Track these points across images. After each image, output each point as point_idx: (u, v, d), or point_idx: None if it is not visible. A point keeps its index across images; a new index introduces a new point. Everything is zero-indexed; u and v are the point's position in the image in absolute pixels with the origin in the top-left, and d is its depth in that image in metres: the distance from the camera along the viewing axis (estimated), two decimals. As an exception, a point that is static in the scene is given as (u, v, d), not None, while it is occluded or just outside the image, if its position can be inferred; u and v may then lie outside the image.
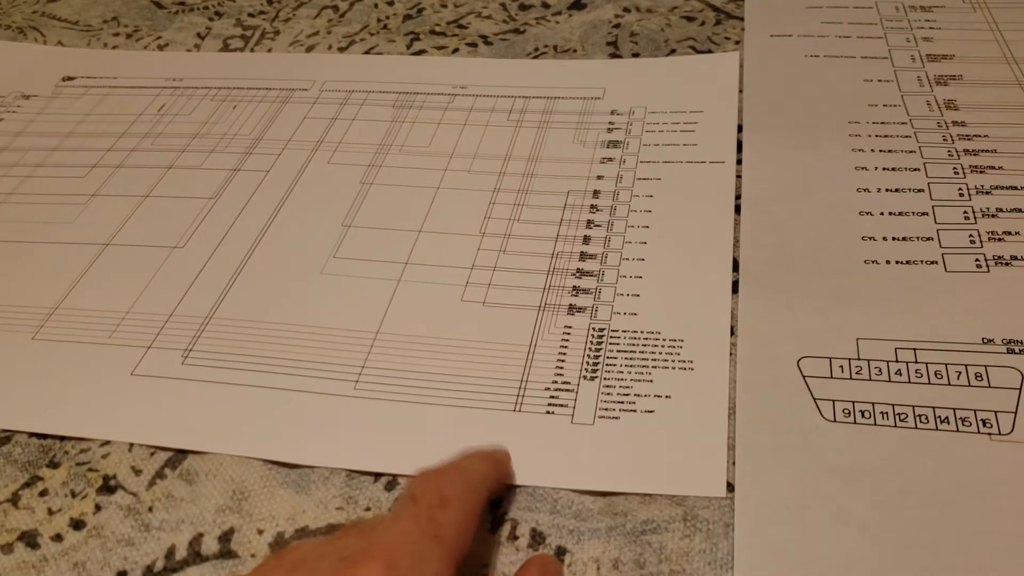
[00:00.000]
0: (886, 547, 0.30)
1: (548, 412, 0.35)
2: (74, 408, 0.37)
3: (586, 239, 0.42)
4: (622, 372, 0.36)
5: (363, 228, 0.44)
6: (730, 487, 0.32)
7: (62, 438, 0.36)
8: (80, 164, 0.50)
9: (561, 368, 0.37)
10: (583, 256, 0.42)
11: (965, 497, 0.31)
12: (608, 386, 0.36)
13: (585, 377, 0.36)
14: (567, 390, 0.36)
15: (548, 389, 0.36)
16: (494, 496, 0.32)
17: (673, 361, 0.36)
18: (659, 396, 0.35)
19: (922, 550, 0.30)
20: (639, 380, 0.36)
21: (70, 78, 0.57)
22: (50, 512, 0.34)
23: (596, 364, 0.37)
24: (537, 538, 0.31)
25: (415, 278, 0.41)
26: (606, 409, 0.35)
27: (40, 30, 0.62)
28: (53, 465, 0.35)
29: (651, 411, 0.35)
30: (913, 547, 0.30)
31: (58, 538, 0.33)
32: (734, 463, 0.32)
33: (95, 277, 0.43)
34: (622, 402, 0.35)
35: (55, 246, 0.45)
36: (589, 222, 0.43)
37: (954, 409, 0.33)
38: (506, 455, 0.33)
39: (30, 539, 0.33)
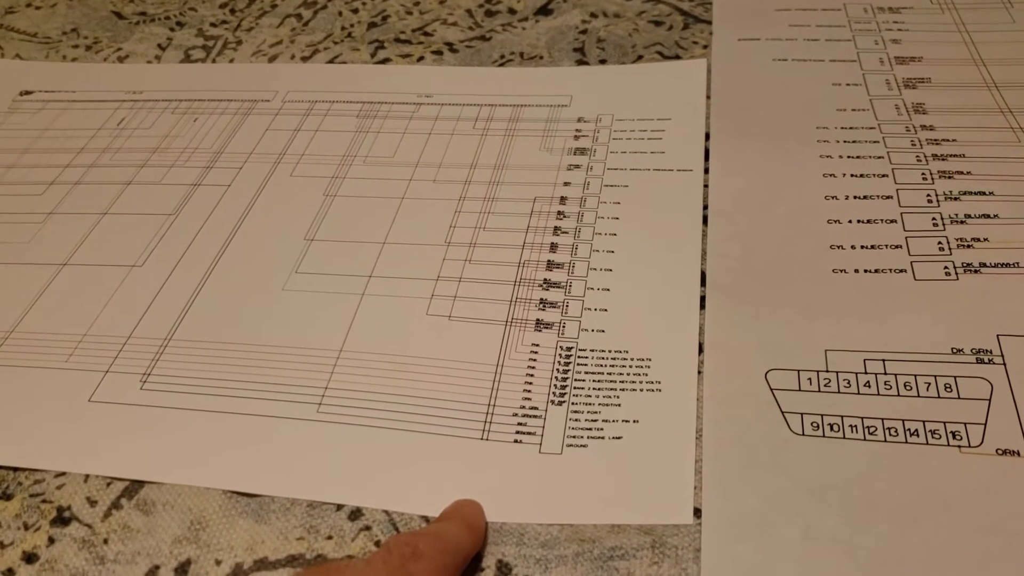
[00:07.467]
0: (855, 564, 0.29)
1: (516, 441, 0.34)
2: (30, 438, 0.36)
3: (553, 246, 0.42)
4: (590, 396, 0.35)
5: (326, 242, 0.43)
6: (697, 513, 0.31)
7: (16, 469, 0.35)
8: (37, 181, 0.49)
9: (529, 391, 0.36)
10: (550, 265, 0.41)
11: (935, 511, 0.30)
12: (576, 411, 0.35)
13: (553, 402, 0.35)
14: (535, 416, 0.35)
15: (516, 415, 0.35)
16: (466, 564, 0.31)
17: (641, 383, 0.36)
18: (627, 421, 0.34)
19: (892, 566, 0.29)
20: (607, 404, 0.35)
21: (28, 92, 0.56)
22: (1, 546, 0.33)
23: (564, 387, 0.36)
24: (503, 570, 0.31)
25: (379, 291, 0.40)
26: (574, 437, 0.34)
27: (-3, 42, 0.61)
28: (6, 497, 0.34)
29: (619, 437, 0.34)
30: (883, 563, 0.29)
31: (10, 573, 0.32)
32: (701, 483, 0.32)
33: (52, 299, 0.42)
34: (590, 428, 0.34)
35: (10, 267, 0.44)
36: (556, 228, 0.43)
37: (923, 421, 0.33)
38: (482, 524, 0.31)
39: (-19, 575, 0.32)
